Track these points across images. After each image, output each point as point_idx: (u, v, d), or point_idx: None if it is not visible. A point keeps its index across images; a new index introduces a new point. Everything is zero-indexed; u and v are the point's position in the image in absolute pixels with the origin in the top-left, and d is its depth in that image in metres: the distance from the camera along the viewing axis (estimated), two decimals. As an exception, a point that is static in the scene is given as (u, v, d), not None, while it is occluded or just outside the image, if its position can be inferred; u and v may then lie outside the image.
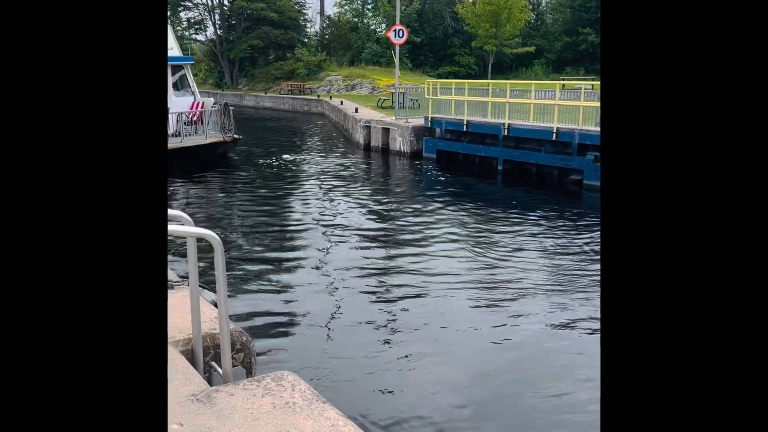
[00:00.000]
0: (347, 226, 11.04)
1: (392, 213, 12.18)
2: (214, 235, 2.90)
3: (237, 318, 6.46)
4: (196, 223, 3.40)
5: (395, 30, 20.67)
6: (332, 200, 13.27)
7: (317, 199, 13.39)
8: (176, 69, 18.13)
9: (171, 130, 15.93)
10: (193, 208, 12.25)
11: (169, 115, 15.68)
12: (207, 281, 5.52)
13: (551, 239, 10.14)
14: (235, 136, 17.35)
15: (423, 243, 9.90)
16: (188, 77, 18.69)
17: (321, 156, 19.99)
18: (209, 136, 16.99)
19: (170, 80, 17.43)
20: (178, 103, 17.41)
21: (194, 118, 17.46)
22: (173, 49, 18.29)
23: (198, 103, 18.25)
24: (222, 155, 17.66)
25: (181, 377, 2.95)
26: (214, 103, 18.38)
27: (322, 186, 14.80)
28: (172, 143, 15.33)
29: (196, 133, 17.14)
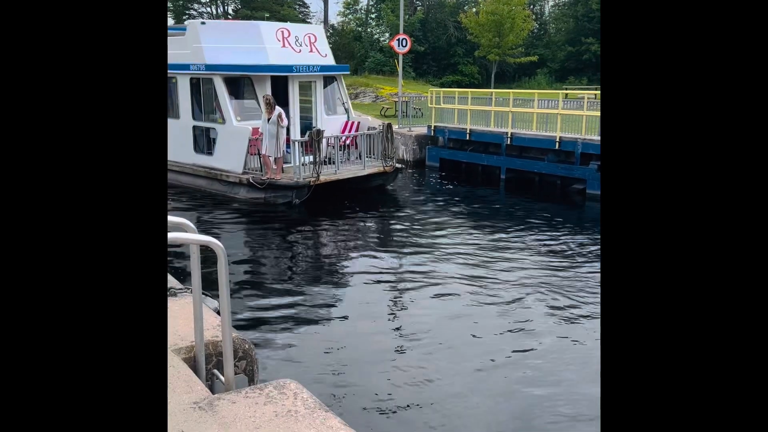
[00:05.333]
0: (350, 234, 11.05)
1: (395, 221, 12.18)
2: (217, 242, 2.91)
3: (239, 326, 6.45)
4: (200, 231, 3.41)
5: (399, 39, 20.74)
6: (335, 208, 13.27)
7: (320, 207, 13.39)
8: (328, 81, 14.44)
9: (323, 154, 12.67)
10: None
11: (323, 139, 12.54)
12: (210, 289, 5.52)
13: (554, 249, 10.13)
14: (397, 165, 14.01)
15: (426, 252, 9.89)
16: (341, 91, 14.88)
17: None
18: (366, 165, 13.50)
19: (320, 94, 14.18)
20: (330, 123, 14.06)
21: (348, 143, 13.96)
22: (327, 56, 14.74)
23: (352, 123, 14.72)
24: (379, 188, 14.22)
25: (184, 385, 2.95)
26: (371, 125, 14.53)
27: (325, 195, 14.78)
28: (325, 175, 12.55)
29: (348, 160, 13.81)
